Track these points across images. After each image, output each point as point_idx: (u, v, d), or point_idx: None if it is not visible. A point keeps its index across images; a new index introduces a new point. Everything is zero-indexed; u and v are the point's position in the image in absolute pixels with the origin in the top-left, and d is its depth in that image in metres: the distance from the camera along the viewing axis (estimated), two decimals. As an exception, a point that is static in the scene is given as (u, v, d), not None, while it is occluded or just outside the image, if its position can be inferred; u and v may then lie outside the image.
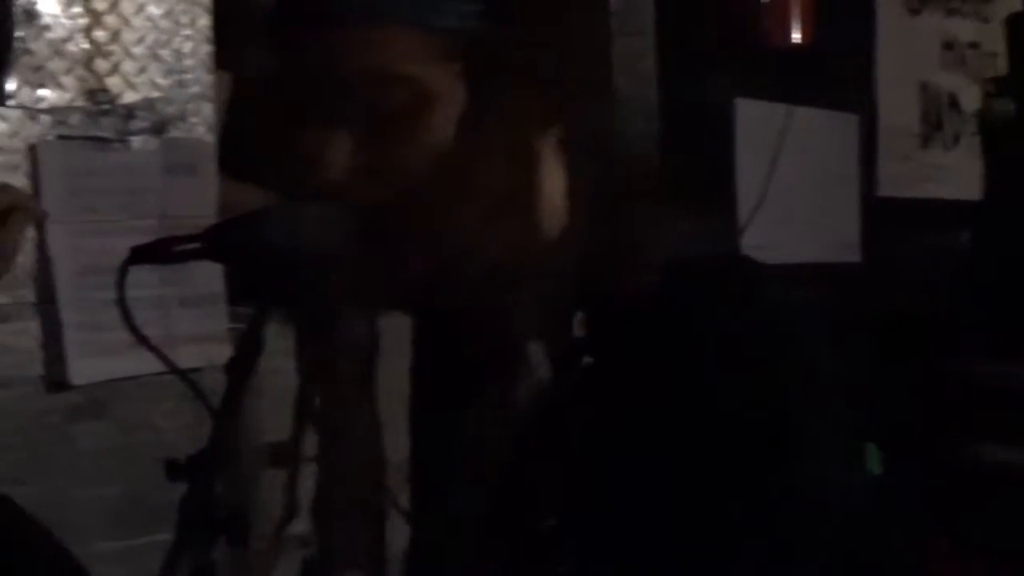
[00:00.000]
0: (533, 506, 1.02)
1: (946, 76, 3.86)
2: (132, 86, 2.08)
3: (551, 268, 1.04)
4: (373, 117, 1.02)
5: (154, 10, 2.10)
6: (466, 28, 1.02)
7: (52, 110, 1.99)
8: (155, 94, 2.10)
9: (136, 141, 2.08)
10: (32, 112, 1.98)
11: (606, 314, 1.03)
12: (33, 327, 1.97)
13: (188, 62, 2.14)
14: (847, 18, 3.45)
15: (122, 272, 1.13)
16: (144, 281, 2.01)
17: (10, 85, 1.96)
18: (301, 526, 1.23)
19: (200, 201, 2.11)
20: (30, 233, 1.95)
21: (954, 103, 3.87)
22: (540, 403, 1.03)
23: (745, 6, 3.18)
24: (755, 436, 0.99)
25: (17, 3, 1.96)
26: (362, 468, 1.19)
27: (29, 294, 1.96)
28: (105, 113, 2.04)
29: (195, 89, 2.14)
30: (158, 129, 2.10)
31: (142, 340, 1.20)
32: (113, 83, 2.06)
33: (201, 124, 2.15)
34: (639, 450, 1.00)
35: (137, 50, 2.09)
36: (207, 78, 2.16)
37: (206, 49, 2.16)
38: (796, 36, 3.15)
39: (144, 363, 1.95)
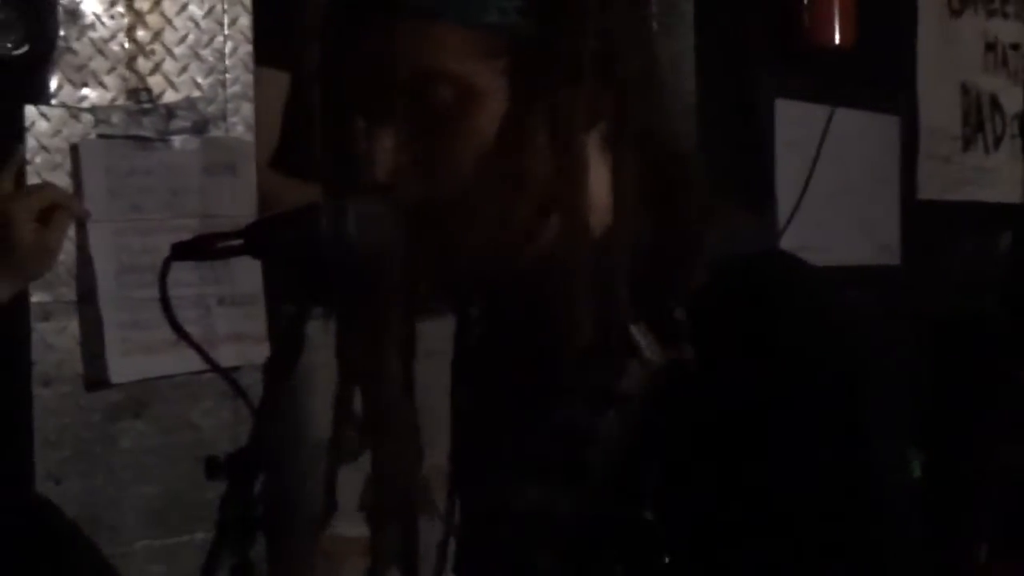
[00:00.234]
0: (632, 498, 1.01)
1: (987, 78, 3.83)
2: (173, 85, 2.09)
3: (600, 265, 1.03)
4: (419, 114, 1.02)
5: (196, 10, 2.11)
6: (510, 25, 1.02)
7: (94, 109, 2.00)
8: (196, 93, 2.11)
9: (177, 140, 2.08)
10: (74, 111, 1.99)
11: (658, 310, 1.02)
12: (74, 326, 1.98)
13: (229, 62, 2.15)
14: (888, 19, 3.43)
15: (164, 269, 1.13)
16: (184, 280, 2.04)
17: (53, 84, 1.97)
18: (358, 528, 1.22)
19: (240, 200, 2.12)
20: (71, 232, 1.96)
21: (995, 105, 3.83)
22: (641, 395, 1.02)
23: (787, 7, 3.16)
24: (814, 435, 0.98)
25: (60, 3, 1.98)
26: (403, 466, 1.18)
27: (70, 293, 1.97)
28: (146, 112, 2.05)
29: (235, 88, 2.15)
30: (199, 128, 2.10)
31: (184, 336, 1.20)
32: (155, 82, 2.07)
33: (241, 123, 2.16)
34: (703, 448, 0.99)
35: (179, 50, 2.09)
36: (247, 77, 2.16)
37: (247, 49, 2.17)
38: (837, 37, 3.13)
39: (183, 362, 1.98)
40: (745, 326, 1.00)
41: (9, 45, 1.94)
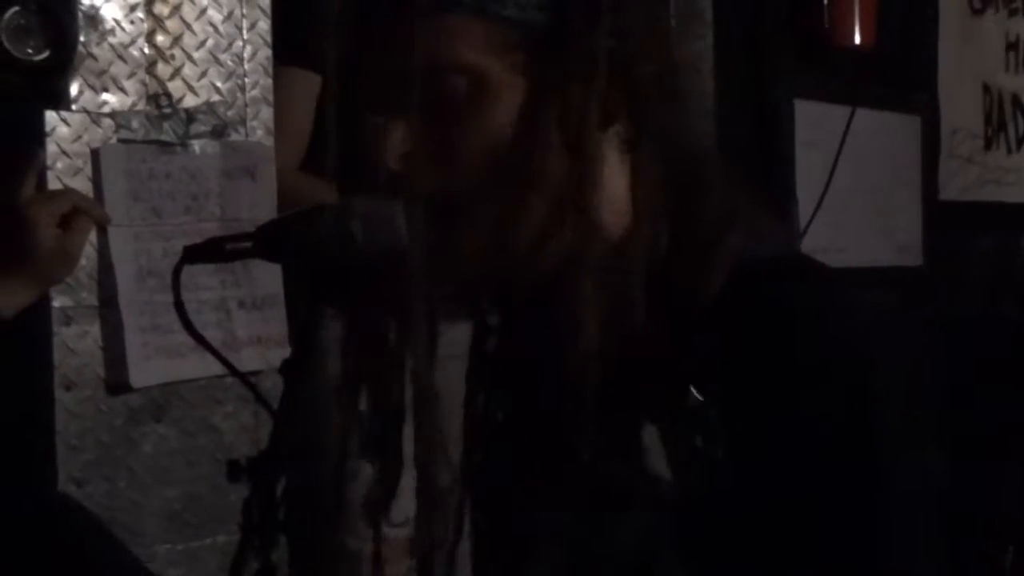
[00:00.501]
0: (645, 504, 1.01)
1: (1009, 77, 3.81)
2: (193, 90, 2.09)
3: (616, 265, 1.03)
4: (433, 105, 1.02)
5: (215, 14, 2.12)
6: (528, 19, 1.02)
7: (114, 114, 2.01)
8: (215, 98, 2.11)
9: (196, 144, 2.09)
10: (95, 116, 1.99)
11: (673, 312, 1.02)
12: (95, 330, 1.98)
13: (248, 66, 2.15)
14: (909, 19, 3.41)
15: (177, 273, 1.14)
16: (204, 284, 2.05)
17: (73, 90, 1.98)
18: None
19: (259, 203, 2.13)
20: (92, 236, 1.96)
21: (1017, 104, 3.81)
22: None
23: (807, 7, 3.15)
24: (834, 444, 0.98)
25: (81, 9, 1.98)
26: (424, 468, 1.18)
27: (91, 297, 1.98)
28: (166, 117, 2.06)
29: (255, 92, 2.16)
30: (218, 132, 2.11)
31: (200, 340, 1.21)
32: (174, 87, 2.07)
33: (260, 127, 2.16)
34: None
35: (198, 54, 2.10)
36: (266, 81, 2.17)
37: (266, 53, 2.17)
38: (858, 37, 3.12)
39: (204, 365, 1.99)
40: (762, 331, 1.00)
41: (30, 51, 1.95)
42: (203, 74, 2.10)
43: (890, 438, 0.99)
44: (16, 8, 1.92)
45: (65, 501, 1.90)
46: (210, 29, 2.11)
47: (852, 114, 3.17)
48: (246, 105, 2.15)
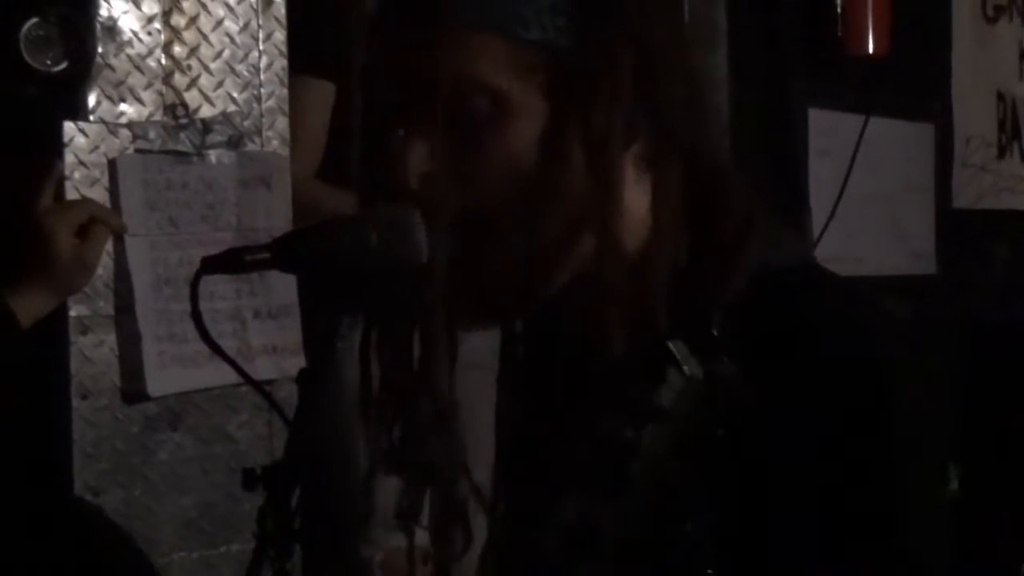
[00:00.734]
0: (672, 509, 1.01)
1: (1023, 85, 3.81)
2: (209, 100, 2.11)
3: (638, 281, 1.04)
4: (455, 124, 1.03)
5: (231, 25, 2.13)
6: (552, 42, 1.02)
7: (131, 124, 2.02)
8: (232, 108, 2.12)
9: (213, 154, 2.10)
10: (112, 126, 2.01)
11: (696, 326, 1.03)
12: (112, 339, 2.00)
13: (264, 76, 2.16)
14: (922, 27, 3.42)
15: (195, 283, 1.15)
16: (220, 293, 2.06)
17: (91, 100, 1.99)
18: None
19: (275, 213, 2.14)
20: (109, 246, 1.98)
21: (1032, 112, 3.82)
22: (681, 406, 1.02)
23: (821, 16, 3.16)
24: (852, 450, 0.98)
25: (99, 20, 2.00)
26: (445, 475, 1.19)
27: (108, 306, 1.99)
28: (183, 127, 2.07)
29: (270, 103, 2.17)
30: (234, 142, 2.12)
31: (216, 350, 1.22)
32: (191, 98, 2.09)
33: (276, 137, 2.17)
34: (747, 460, 0.99)
35: (214, 65, 2.11)
36: (282, 92, 2.18)
37: (282, 63, 2.18)
38: (871, 46, 3.12)
39: (220, 374, 2.00)
40: (778, 341, 1.00)
41: (48, 62, 1.96)
42: (219, 84, 2.12)
43: (908, 444, 1.00)
44: (35, 19, 1.94)
45: (83, 506, 1.91)
46: (226, 40, 2.13)
47: (866, 122, 3.17)
48: (262, 115, 2.16)
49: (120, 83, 2.02)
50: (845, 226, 3.20)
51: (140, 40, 2.04)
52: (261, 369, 2.07)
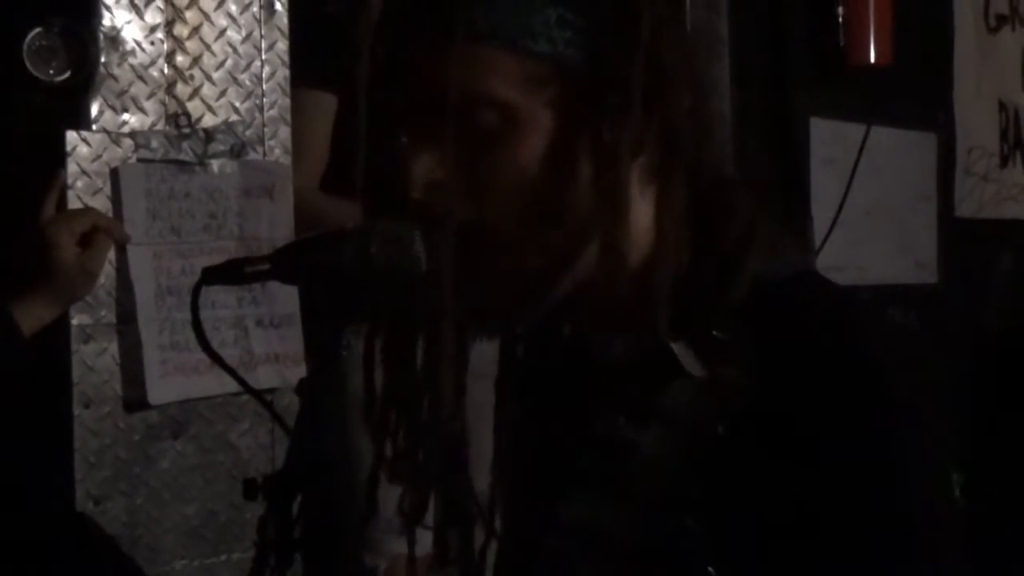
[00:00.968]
0: (672, 507, 1.02)
1: (1026, 94, 3.81)
2: (212, 110, 2.11)
3: (640, 289, 1.04)
4: (463, 137, 1.03)
5: (234, 35, 2.14)
6: (560, 55, 1.02)
7: (134, 134, 2.03)
8: (234, 118, 2.13)
9: (215, 164, 2.11)
10: (115, 136, 2.02)
11: (699, 329, 1.03)
12: (114, 348, 2.00)
13: (266, 86, 2.17)
14: (925, 37, 3.42)
15: (195, 293, 1.15)
16: (222, 302, 2.07)
17: (94, 110, 2.00)
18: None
19: (277, 222, 2.14)
20: (111, 255, 1.98)
21: (1034, 122, 3.82)
22: (683, 406, 1.03)
23: (823, 26, 3.16)
24: (852, 459, 0.99)
25: (102, 30, 2.01)
26: (448, 482, 1.19)
27: (110, 315, 2.00)
28: (185, 137, 2.08)
29: (273, 112, 2.18)
30: (237, 152, 2.13)
31: (216, 359, 1.22)
32: (193, 107, 2.10)
33: (278, 147, 2.18)
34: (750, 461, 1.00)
35: (217, 75, 2.12)
36: (284, 101, 2.19)
37: (284, 73, 2.19)
38: (873, 56, 3.12)
39: (221, 383, 2.00)
40: (777, 347, 1.01)
41: (51, 72, 1.97)
42: (222, 94, 2.12)
43: (906, 449, 1.00)
44: (39, 29, 1.95)
45: (82, 521, 1.91)
46: (229, 50, 2.14)
47: (867, 132, 3.17)
48: (264, 125, 2.17)
49: (123, 92, 2.03)
50: (848, 235, 3.20)
51: (143, 50, 2.04)
52: (263, 378, 2.07)
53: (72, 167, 1.97)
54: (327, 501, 1.68)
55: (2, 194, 1.96)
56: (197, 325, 1.21)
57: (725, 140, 2.75)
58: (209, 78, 2.11)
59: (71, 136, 1.98)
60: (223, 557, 2.08)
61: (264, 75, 2.17)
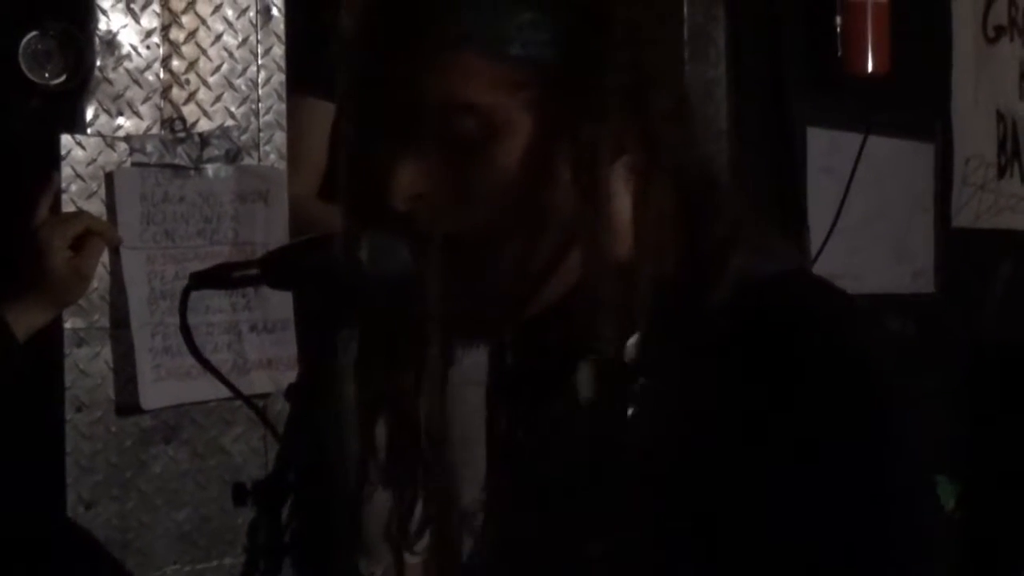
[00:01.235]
0: (582, 529, 1.02)
1: (1023, 105, 3.81)
2: (207, 114, 2.11)
3: (624, 292, 1.04)
4: (443, 144, 1.03)
5: (230, 40, 2.14)
6: (536, 57, 1.02)
7: (129, 138, 2.03)
8: (229, 122, 2.13)
9: (210, 168, 2.11)
10: (109, 140, 2.02)
11: (675, 335, 1.03)
12: (107, 352, 2.00)
13: (262, 91, 2.17)
14: (923, 47, 3.42)
15: (184, 298, 1.15)
16: (215, 306, 2.07)
17: (89, 113, 2.00)
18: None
19: (272, 227, 2.14)
20: (105, 259, 1.98)
21: (1032, 132, 3.82)
22: (591, 423, 1.03)
23: (820, 35, 3.16)
24: (833, 458, 0.98)
25: (98, 34, 2.01)
26: (435, 492, 1.19)
27: (103, 319, 2.00)
28: (181, 141, 2.08)
29: (268, 117, 2.18)
30: (232, 157, 2.13)
31: (205, 364, 1.22)
32: (189, 112, 2.09)
33: (274, 152, 2.18)
34: (697, 475, 0.99)
35: (213, 79, 2.12)
36: (280, 107, 2.19)
37: (280, 78, 2.19)
38: (871, 65, 3.13)
39: (214, 388, 1.99)
40: (766, 345, 1.00)
41: (47, 75, 1.97)
42: (217, 99, 2.13)
43: (887, 457, 0.99)
44: (35, 33, 1.95)
45: (71, 528, 1.91)
46: (225, 55, 2.14)
47: (864, 141, 3.17)
48: (260, 130, 2.17)
49: (118, 97, 2.03)
50: (845, 244, 3.20)
51: (139, 54, 2.04)
52: (256, 383, 2.07)
53: (67, 171, 1.97)
54: (318, 507, 1.67)
55: (-3, 197, 1.96)
56: (185, 330, 1.21)
57: (720, 145, 2.76)
58: (205, 83, 2.11)
59: (66, 140, 1.98)
60: (215, 562, 2.07)
61: (260, 80, 2.17)
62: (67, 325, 1.97)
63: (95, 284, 1.97)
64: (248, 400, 1.35)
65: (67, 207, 1.97)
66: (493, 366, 1.21)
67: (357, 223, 1.10)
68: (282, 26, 2.19)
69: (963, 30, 3.59)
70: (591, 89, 1.02)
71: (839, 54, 3.14)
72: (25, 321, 1.84)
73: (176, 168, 2.07)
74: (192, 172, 2.09)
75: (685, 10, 2.79)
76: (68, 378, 1.97)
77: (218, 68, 2.13)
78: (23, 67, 1.94)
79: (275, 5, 2.19)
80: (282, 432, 1.27)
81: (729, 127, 2.93)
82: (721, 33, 2.93)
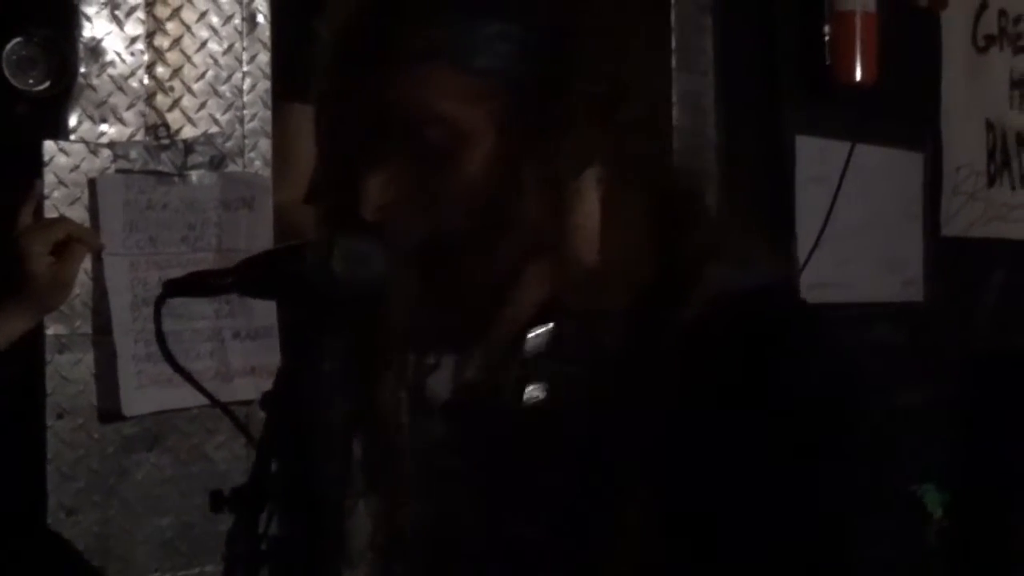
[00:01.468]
0: (518, 513, 1.02)
1: (1014, 114, 3.82)
2: (192, 121, 2.11)
3: (593, 302, 1.04)
4: (410, 156, 1.03)
5: (215, 47, 2.14)
6: (503, 69, 1.02)
7: (112, 144, 2.03)
8: (214, 129, 2.13)
9: (194, 175, 2.11)
10: (93, 146, 2.01)
11: (641, 341, 1.03)
12: (89, 358, 2.00)
13: (247, 98, 2.17)
14: (913, 56, 3.43)
15: (158, 306, 1.15)
16: (199, 313, 2.06)
17: (72, 120, 2.00)
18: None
19: (257, 234, 2.14)
20: (88, 265, 1.98)
21: (1022, 142, 3.82)
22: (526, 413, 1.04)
23: (809, 44, 3.17)
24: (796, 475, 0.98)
25: (82, 41, 2.01)
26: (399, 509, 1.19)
27: (85, 325, 1.99)
28: (165, 148, 2.08)
29: (253, 124, 2.17)
30: (216, 164, 2.13)
31: (181, 372, 1.22)
32: (173, 118, 2.09)
33: (259, 159, 2.18)
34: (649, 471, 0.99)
35: (197, 86, 2.12)
36: (265, 114, 2.19)
37: (265, 85, 2.19)
38: (859, 74, 3.13)
39: (197, 395, 1.97)
40: (738, 360, 1.00)
41: (31, 81, 1.97)
42: (202, 106, 2.12)
43: (808, 495, 0.99)
44: (19, 39, 1.95)
45: (51, 538, 1.90)
46: (210, 61, 2.13)
47: (851, 150, 3.17)
48: (244, 137, 2.16)
49: (102, 103, 2.02)
50: (835, 253, 3.20)
51: (123, 60, 2.04)
52: (240, 390, 2.07)
53: (50, 177, 1.97)
54: (295, 516, 1.67)
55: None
56: (160, 337, 1.21)
57: (705, 154, 2.76)
58: (189, 89, 2.11)
59: (49, 146, 1.98)
60: (196, 570, 2.07)
61: (245, 87, 2.17)
62: (49, 331, 1.96)
63: (77, 290, 1.96)
64: (225, 407, 1.35)
65: (50, 214, 1.96)
66: (457, 377, 1.21)
67: (330, 231, 1.10)
68: (268, 33, 2.19)
69: (953, 40, 3.60)
70: (558, 100, 1.02)
71: (828, 63, 3.15)
72: (6, 327, 1.84)
73: (160, 175, 2.07)
74: (176, 179, 2.09)
75: (673, 19, 2.79)
76: (50, 385, 1.96)
77: (203, 75, 2.13)
78: (7, 73, 1.94)
79: (261, 12, 2.19)
80: (258, 440, 1.27)
81: (718, 136, 2.93)
82: (710, 42, 2.93)
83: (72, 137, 2.00)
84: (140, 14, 2.06)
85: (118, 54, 2.04)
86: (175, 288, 1.19)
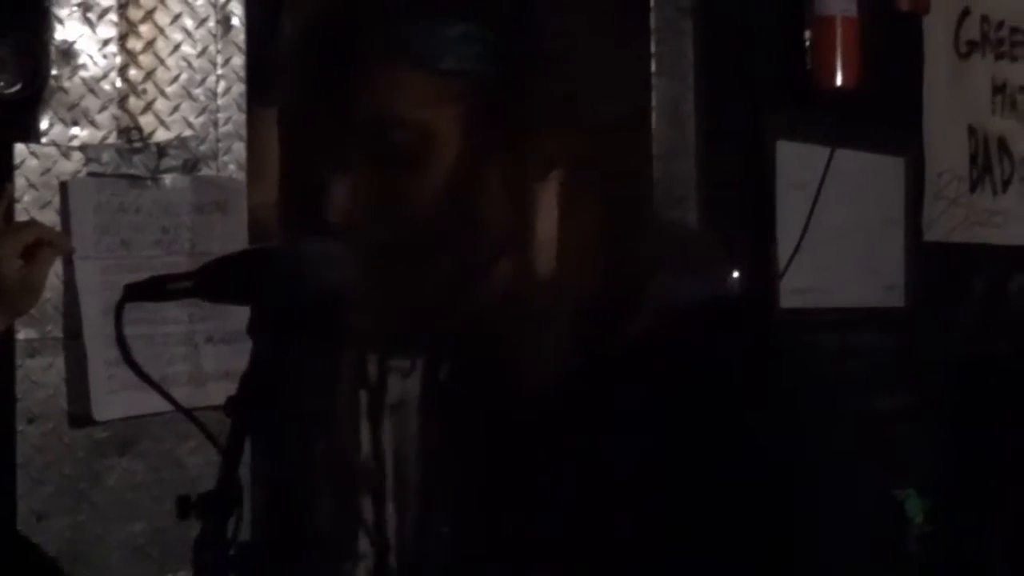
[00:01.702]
0: (433, 512, 1.02)
1: (996, 120, 3.82)
2: (165, 124, 2.10)
3: (554, 305, 1.04)
4: (377, 157, 1.03)
5: (189, 50, 2.13)
6: (468, 71, 1.02)
7: (84, 147, 2.01)
8: (187, 132, 2.12)
9: (167, 179, 2.09)
10: (64, 149, 2.00)
11: (604, 347, 1.02)
12: (60, 363, 1.98)
13: (221, 101, 2.16)
14: (895, 62, 3.42)
15: (118, 311, 1.14)
16: (172, 317, 2.05)
17: (43, 123, 1.99)
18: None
19: (230, 238, 2.12)
20: (59, 269, 1.96)
21: (1004, 147, 3.82)
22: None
23: (790, 49, 3.16)
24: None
25: (54, 43, 1.99)
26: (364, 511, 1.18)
27: (56, 329, 1.98)
28: (137, 151, 2.06)
29: (227, 128, 2.16)
30: (190, 167, 2.11)
31: (142, 376, 1.21)
32: (146, 121, 2.08)
33: (233, 162, 2.17)
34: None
35: (171, 89, 2.11)
36: (240, 117, 2.17)
37: (240, 88, 2.18)
38: (840, 79, 3.13)
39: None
40: (684, 372, 1.00)
41: (2, 84, 1.96)
42: (175, 109, 2.11)
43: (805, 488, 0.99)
44: (-11, 41, 1.94)
45: (21, 543, 1.89)
46: (184, 64, 2.12)
47: (831, 155, 3.17)
48: (218, 140, 2.15)
49: (74, 106, 2.01)
50: (816, 258, 3.20)
51: (95, 63, 2.03)
52: (213, 395, 2.05)
53: (20, 180, 1.96)
54: (264, 522, 1.66)
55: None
56: (122, 341, 1.20)
57: (684, 160, 2.75)
58: (163, 92, 2.10)
59: (20, 149, 1.96)
60: (168, 575, 2.05)
61: (219, 90, 2.16)
62: (19, 336, 1.95)
63: (48, 294, 1.95)
64: (188, 412, 1.35)
65: (21, 217, 1.95)
66: (426, 384, 1.20)
67: (293, 235, 1.10)
68: (242, 36, 2.18)
69: (935, 45, 3.60)
70: (523, 103, 1.02)
71: (809, 68, 3.14)
72: (-25, 332, 1.83)
73: (132, 178, 2.06)
74: (149, 182, 2.08)
75: (652, 23, 2.78)
76: (20, 389, 1.95)
77: (176, 78, 2.11)
78: (-23, 76, 1.93)
79: (235, 15, 2.18)
80: (224, 445, 1.26)
81: (698, 141, 2.92)
82: (690, 47, 2.92)
83: (43, 140, 1.98)
84: (113, 16, 2.04)
85: (90, 56, 2.03)
86: (135, 292, 1.18)
